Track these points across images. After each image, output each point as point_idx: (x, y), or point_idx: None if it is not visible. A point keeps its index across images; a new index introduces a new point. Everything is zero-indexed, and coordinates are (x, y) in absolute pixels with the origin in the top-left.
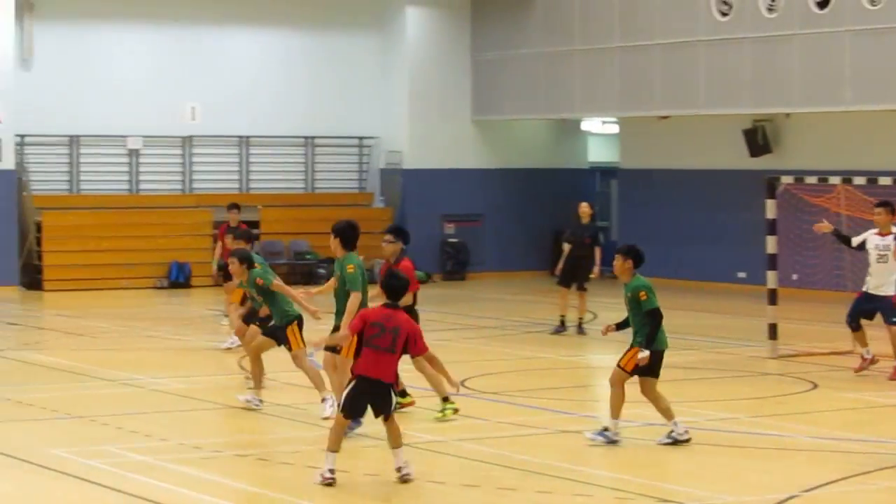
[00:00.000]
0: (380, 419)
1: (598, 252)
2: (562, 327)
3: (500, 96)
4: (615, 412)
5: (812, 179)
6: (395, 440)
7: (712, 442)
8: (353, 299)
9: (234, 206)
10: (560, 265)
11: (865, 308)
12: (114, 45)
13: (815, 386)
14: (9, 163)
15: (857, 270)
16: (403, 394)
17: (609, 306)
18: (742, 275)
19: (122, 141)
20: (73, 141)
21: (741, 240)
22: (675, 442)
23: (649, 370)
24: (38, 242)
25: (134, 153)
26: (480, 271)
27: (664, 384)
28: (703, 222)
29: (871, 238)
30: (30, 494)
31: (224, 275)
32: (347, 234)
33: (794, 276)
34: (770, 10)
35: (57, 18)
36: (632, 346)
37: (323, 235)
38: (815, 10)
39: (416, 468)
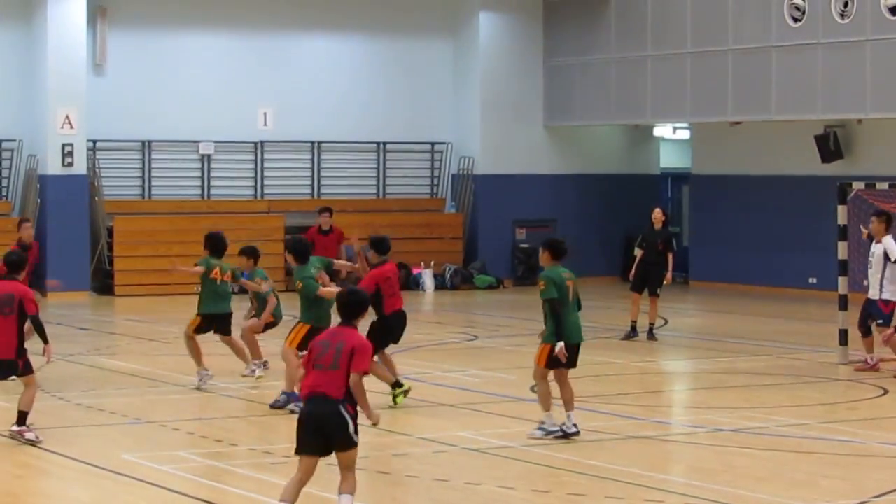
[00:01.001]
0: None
1: (670, 258)
2: (633, 333)
3: (573, 102)
4: (545, 405)
5: (883, 185)
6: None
7: (784, 448)
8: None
9: (326, 210)
10: (633, 271)
11: (865, 312)
12: (186, 51)
13: (886, 392)
14: (81, 168)
15: None
16: (398, 384)
17: (681, 312)
18: (813, 280)
19: (194, 146)
20: (145, 146)
21: (812, 245)
22: (565, 435)
23: (566, 362)
24: (110, 247)
25: (206, 158)
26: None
27: (736, 389)
28: (775, 228)
29: (872, 244)
30: (101, 500)
31: None
32: (298, 249)
33: (866, 282)
34: (842, 16)
35: (129, 24)
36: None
37: (395, 241)
38: (888, 15)
39: (485, 473)
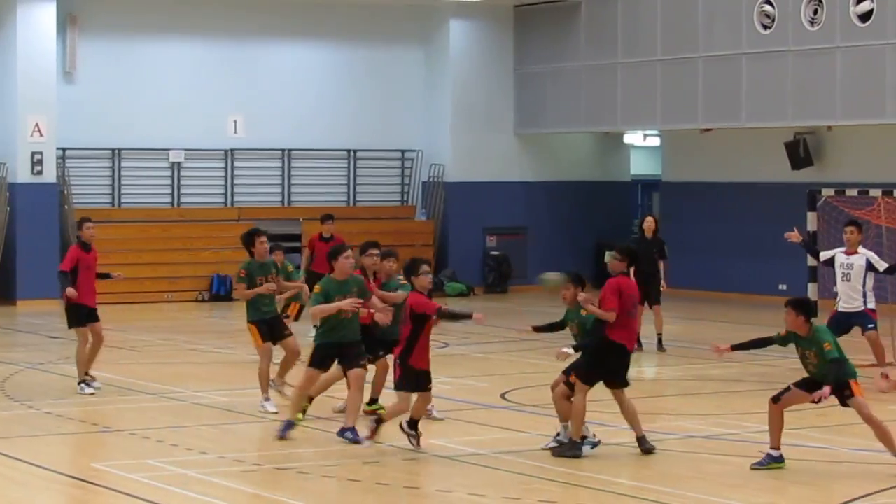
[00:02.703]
0: None
1: (664, 266)
2: (638, 346)
3: (544, 109)
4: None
5: (853, 192)
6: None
7: (755, 454)
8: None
9: (329, 217)
10: None
11: (841, 326)
12: (157, 59)
13: None
14: (51, 176)
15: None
16: (374, 401)
17: (652, 319)
18: (783, 287)
19: (165, 154)
20: (116, 154)
21: (783, 252)
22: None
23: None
24: None
25: (176, 166)
26: (522, 284)
27: (708, 396)
28: (745, 235)
29: (838, 256)
30: None
31: (310, 283)
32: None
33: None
34: (812, 23)
35: (100, 31)
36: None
37: None
38: (858, 23)
39: (456, 480)
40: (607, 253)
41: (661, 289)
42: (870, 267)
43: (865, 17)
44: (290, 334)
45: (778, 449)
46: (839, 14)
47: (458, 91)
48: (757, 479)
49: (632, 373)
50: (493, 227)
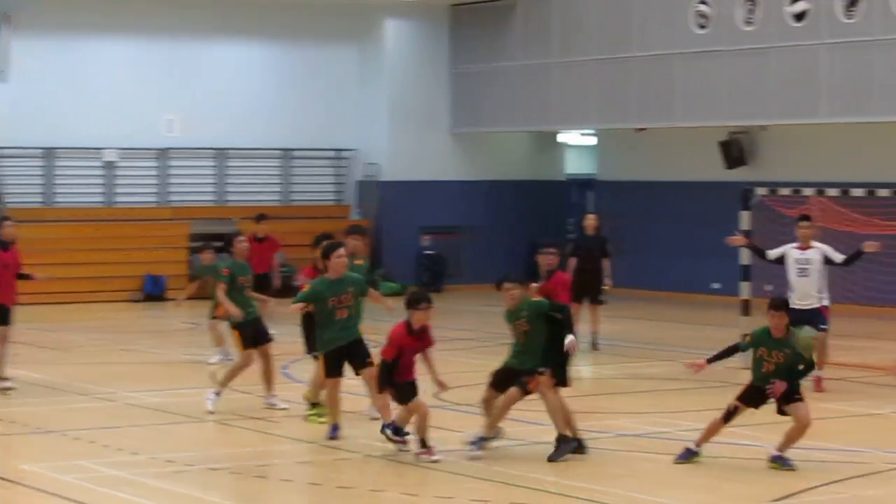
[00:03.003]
0: None
1: (607, 264)
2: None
3: (479, 109)
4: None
5: (786, 191)
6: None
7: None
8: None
9: (262, 217)
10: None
11: (795, 325)
12: (91, 58)
13: None
14: None
15: (832, 281)
16: (315, 405)
17: (611, 320)
18: (716, 286)
19: (98, 153)
20: (49, 153)
21: (716, 251)
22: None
23: None
24: None
25: (109, 165)
26: (458, 283)
27: (641, 394)
28: (679, 233)
29: (791, 252)
30: None
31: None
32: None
33: (768, 287)
34: (747, 23)
35: (33, 30)
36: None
37: (299, 248)
38: (792, 23)
39: (388, 480)
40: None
41: (606, 287)
42: (826, 261)
43: (800, 16)
44: (271, 339)
45: (699, 447)
46: (774, 14)
47: (393, 90)
48: (689, 478)
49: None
50: (428, 226)
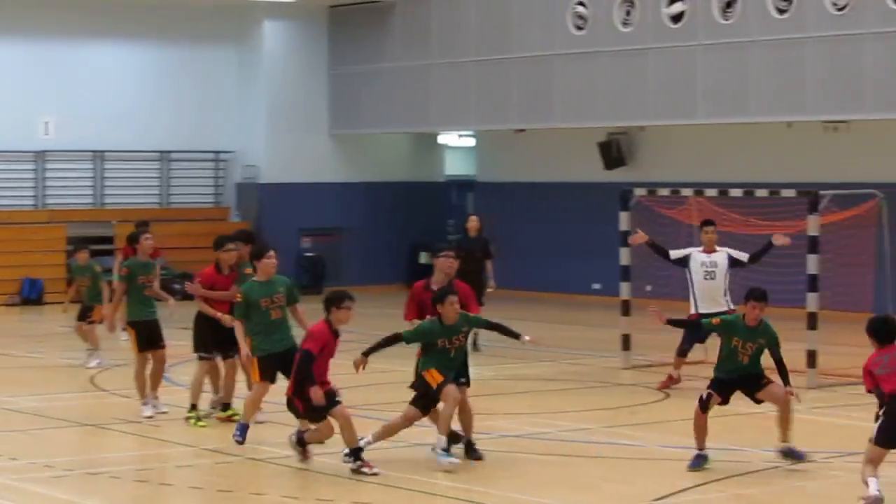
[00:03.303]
0: None
1: (490, 265)
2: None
3: (358, 110)
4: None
5: (665, 191)
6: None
7: (568, 452)
8: None
9: (144, 224)
10: None
11: (704, 335)
12: None
13: (668, 395)
14: None
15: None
16: (227, 406)
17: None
18: (597, 286)
19: None
20: None
21: (596, 252)
22: None
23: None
24: None
25: None
26: (338, 285)
27: (522, 395)
28: (559, 234)
29: (696, 255)
30: None
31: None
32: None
33: (648, 287)
34: (625, 24)
35: None
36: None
37: (179, 251)
38: (669, 24)
39: (269, 483)
40: (422, 254)
41: (490, 289)
42: (732, 263)
43: (677, 18)
44: (164, 346)
45: (704, 449)
46: (651, 15)
47: (272, 92)
48: (570, 478)
49: None
50: (307, 228)
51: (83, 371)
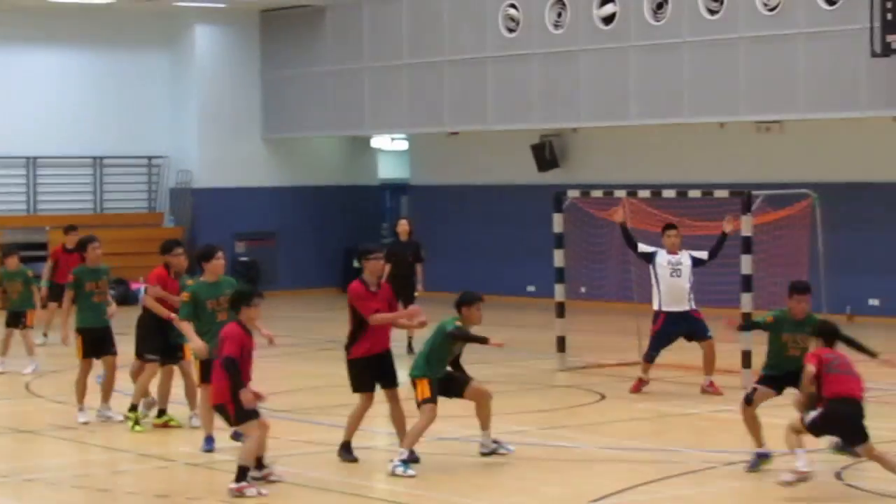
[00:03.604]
0: None
1: (420, 269)
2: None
3: (291, 114)
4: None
5: (598, 193)
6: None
7: (504, 455)
8: None
9: (72, 228)
10: None
11: (674, 329)
12: None
13: (604, 397)
14: None
15: (644, 282)
16: (162, 412)
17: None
18: (532, 288)
19: None
20: None
21: (531, 253)
22: None
23: None
24: None
25: None
26: (272, 290)
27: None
28: (494, 237)
29: (662, 254)
30: None
31: (52, 295)
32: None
33: (583, 289)
34: (556, 26)
35: None
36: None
37: (113, 256)
38: (601, 26)
39: (205, 488)
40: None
41: (417, 292)
42: (696, 263)
43: (608, 20)
44: (115, 353)
45: (764, 445)
46: (582, 17)
47: (204, 96)
48: (507, 480)
49: None
50: (242, 232)
51: (18, 377)
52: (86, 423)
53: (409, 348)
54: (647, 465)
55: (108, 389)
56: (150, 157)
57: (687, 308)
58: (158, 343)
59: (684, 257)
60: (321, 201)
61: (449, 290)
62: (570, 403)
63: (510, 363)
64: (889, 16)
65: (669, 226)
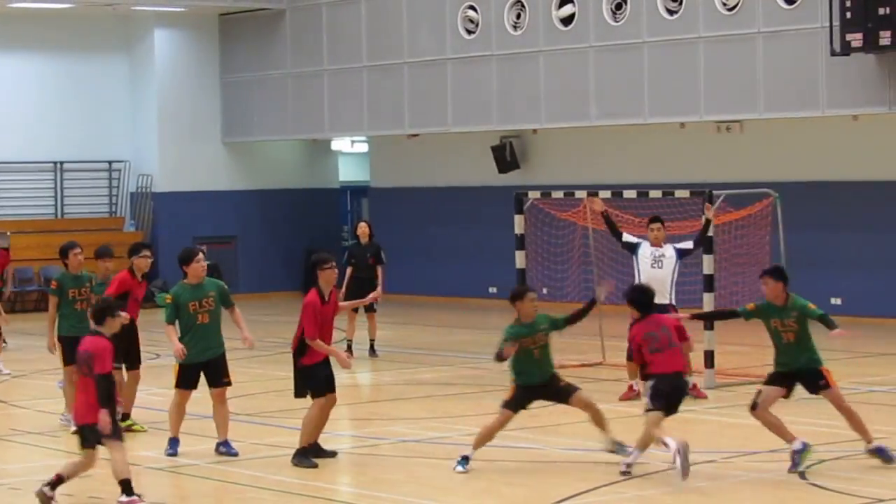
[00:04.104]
0: None
1: (381, 271)
2: (349, 351)
3: (250, 118)
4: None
5: (559, 194)
6: None
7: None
8: None
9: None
10: (343, 289)
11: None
12: None
13: None
14: None
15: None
16: (126, 417)
17: (362, 324)
18: (493, 290)
19: None
20: None
21: (492, 255)
22: None
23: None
24: None
25: None
26: (234, 293)
27: (419, 400)
28: (455, 239)
29: (645, 245)
30: None
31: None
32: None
33: (545, 290)
34: (515, 27)
35: None
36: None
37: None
38: (560, 26)
39: (169, 491)
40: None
41: (376, 294)
42: (682, 254)
43: (568, 20)
44: None
45: (795, 439)
46: (542, 18)
47: (163, 101)
48: (469, 482)
49: (344, 379)
50: (202, 236)
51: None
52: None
53: (372, 350)
54: (609, 466)
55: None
56: (110, 162)
57: (666, 301)
58: (123, 349)
59: (668, 250)
60: (281, 205)
61: (410, 292)
62: (533, 405)
63: (472, 365)
64: (848, 14)
65: (654, 219)
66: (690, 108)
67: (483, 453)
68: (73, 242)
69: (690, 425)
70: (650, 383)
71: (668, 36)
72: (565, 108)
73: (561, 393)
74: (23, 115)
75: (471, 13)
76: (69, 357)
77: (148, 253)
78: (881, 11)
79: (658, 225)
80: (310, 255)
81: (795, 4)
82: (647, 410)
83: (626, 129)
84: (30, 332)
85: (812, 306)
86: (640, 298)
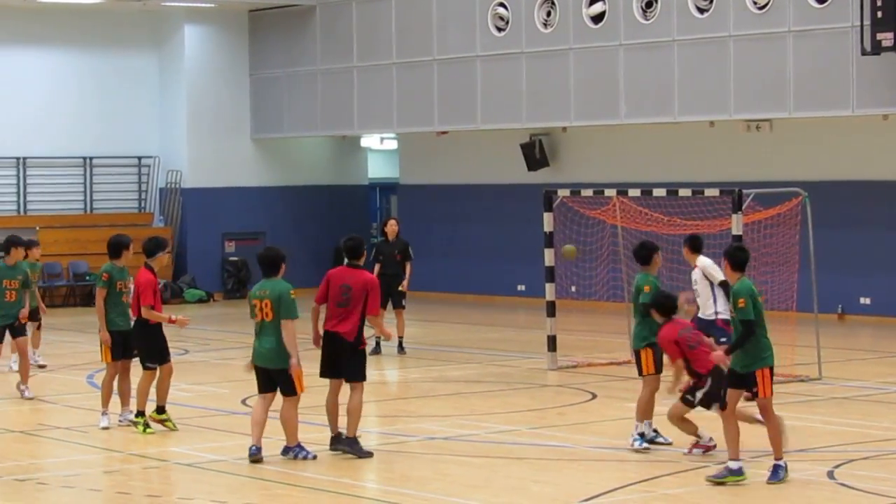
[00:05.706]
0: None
1: (408, 267)
2: (377, 348)
3: (280, 114)
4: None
5: (588, 192)
6: None
7: (495, 454)
8: None
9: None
10: None
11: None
12: None
13: (595, 396)
14: None
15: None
16: (161, 410)
17: (391, 322)
18: (522, 288)
19: None
20: None
21: (521, 253)
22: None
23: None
24: None
25: None
26: None
27: (447, 397)
28: (483, 236)
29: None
30: None
31: None
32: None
33: (573, 288)
34: (545, 25)
35: None
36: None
37: (102, 256)
38: (590, 24)
39: (197, 487)
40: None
41: (402, 288)
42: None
43: (598, 18)
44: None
45: (737, 460)
46: (572, 16)
47: (193, 97)
48: (497, 480)
49: (372, 376)
50: (231, 232)
51: (12, 376)
52: (106, 428)
53: (400, 347)
54: (637, 464)
55: (124, 393)
56: (139, 158)
57: (713, 317)
58: (160, 349)
59: (696, 273)
60: (310, 201)
61: (438, 289)
62: (561, 403)
63: (501, 362)
64: (879, 13)
65: (684, 241)
66: (720, 107)
67: (512, 450)
68: (130, 238)
69: (717, 423)
70: (709, 382)
71: (698, 34)
72: (595, 106)
73: None
74: (53, 110)
75: (501, 10)
76: (115, 352)
77: (169, 249)
78: None
79: (684, 248)
80: (338, 252)
81: (826, 3)
82: (722, 409)
83: (656, 127)
84: (58, 328)
85: (741, 303)
86: (666, 304)
